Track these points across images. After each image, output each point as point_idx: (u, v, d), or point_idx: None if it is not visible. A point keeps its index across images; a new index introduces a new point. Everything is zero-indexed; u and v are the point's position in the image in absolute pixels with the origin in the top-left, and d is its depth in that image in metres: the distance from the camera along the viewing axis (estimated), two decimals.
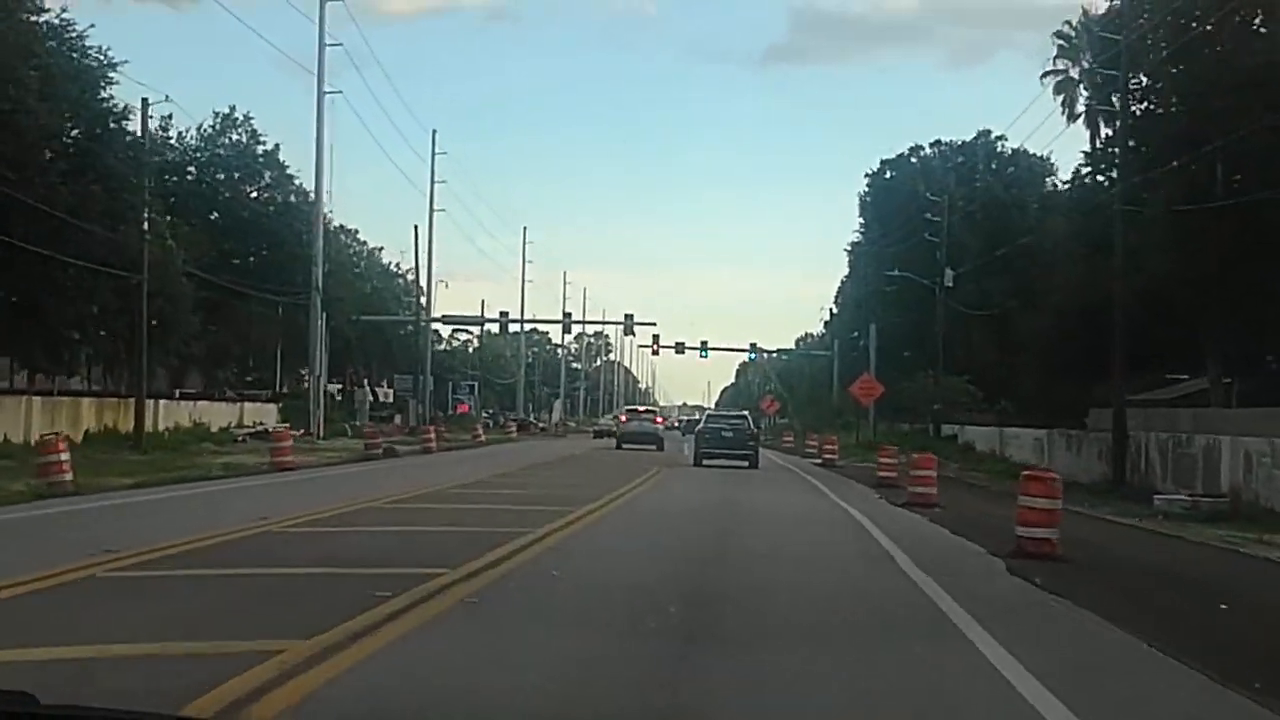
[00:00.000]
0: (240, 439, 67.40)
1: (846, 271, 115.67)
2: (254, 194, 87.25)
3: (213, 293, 79.75)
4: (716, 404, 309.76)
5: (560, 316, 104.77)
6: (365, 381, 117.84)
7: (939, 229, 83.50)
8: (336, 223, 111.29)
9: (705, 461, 55.20)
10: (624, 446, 76.13)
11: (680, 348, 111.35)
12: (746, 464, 54.47)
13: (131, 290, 54.13)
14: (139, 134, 55.89)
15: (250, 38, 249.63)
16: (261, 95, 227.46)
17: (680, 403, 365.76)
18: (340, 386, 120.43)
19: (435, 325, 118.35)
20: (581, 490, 33.30)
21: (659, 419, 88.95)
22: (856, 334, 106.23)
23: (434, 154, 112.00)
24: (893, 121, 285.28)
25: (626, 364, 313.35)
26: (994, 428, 67.46)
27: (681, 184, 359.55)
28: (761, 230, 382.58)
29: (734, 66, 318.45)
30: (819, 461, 61.54)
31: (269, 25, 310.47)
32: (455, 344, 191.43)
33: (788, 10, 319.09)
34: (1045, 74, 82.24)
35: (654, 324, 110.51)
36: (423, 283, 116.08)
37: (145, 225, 54.51)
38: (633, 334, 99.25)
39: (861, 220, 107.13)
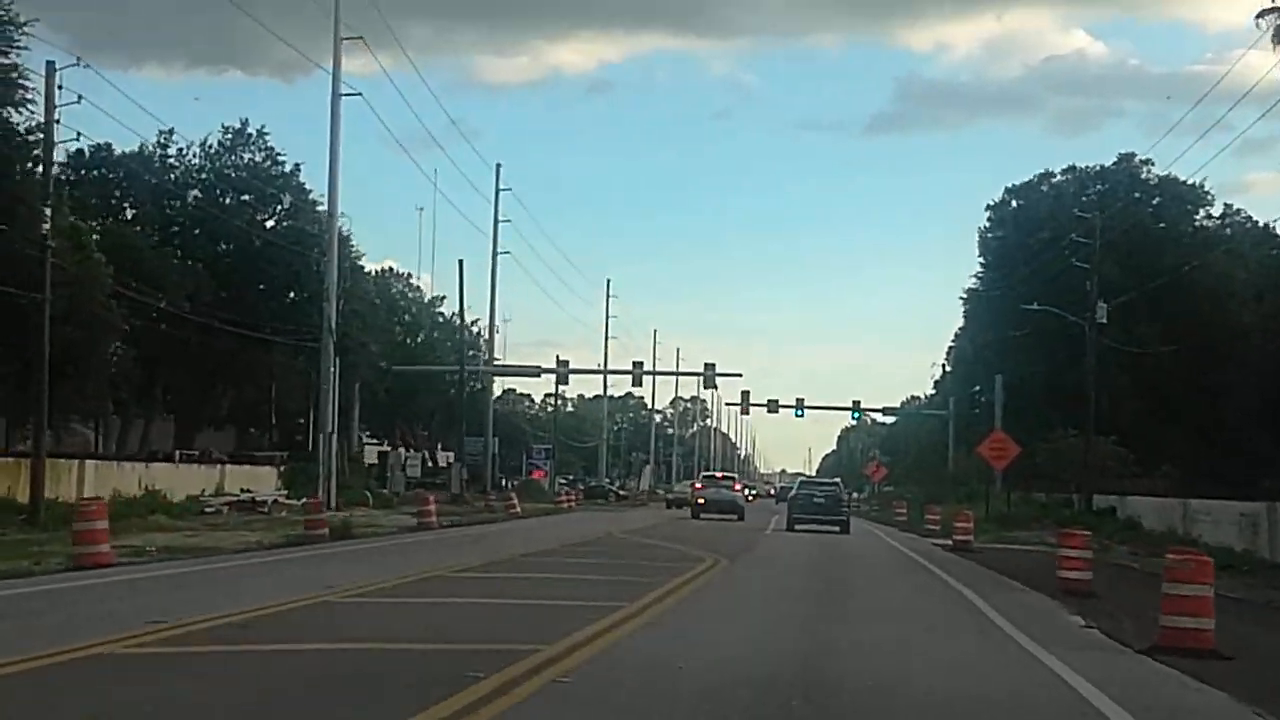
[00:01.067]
0: (213, 510, 52.80)
1: (960, 324, 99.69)
2: (269, 222, 73.13)
3: (213, 337, 65.82)
4: (817, 471, 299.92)
5: (641, 374, 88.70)
6: (404, 441, 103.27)
7: (1080, 257, 67.59)
8: (377, 264, 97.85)
9: (797, 527, 55.52)
10: (701, 517, 66.42)
11: (773, 406, 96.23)
12: (838, 529, 55.22)
13: (28, 313, 39.77)
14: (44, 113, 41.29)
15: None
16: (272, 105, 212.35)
17: (779, 469, 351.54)
18: (388, 448, 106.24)
19: (505, 384, 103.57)
20: (532, 623, 17.91)
21: (738, 485, 74.48)
22: (978, 389, 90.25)
23: (498, 190, 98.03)
24: (1000, 183, 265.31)
25: (725, 429, 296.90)
26: (1172, 499, 51.30)
27: (779, 254, 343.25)
28: (865, 300, 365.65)
29: (836, 136, 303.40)
30: (947, 544, 45.57)
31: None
32: (536, 408, 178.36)
33: (892, 80, 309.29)
34: (1262, 13, 63.41)
35: (739, 374, 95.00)
36: (482, 327, 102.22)
37: (47, 227, 40.01)
38: (714, 386, 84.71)
39: (981, 260, 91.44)
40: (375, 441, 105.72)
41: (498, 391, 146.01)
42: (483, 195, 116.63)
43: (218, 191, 71.20)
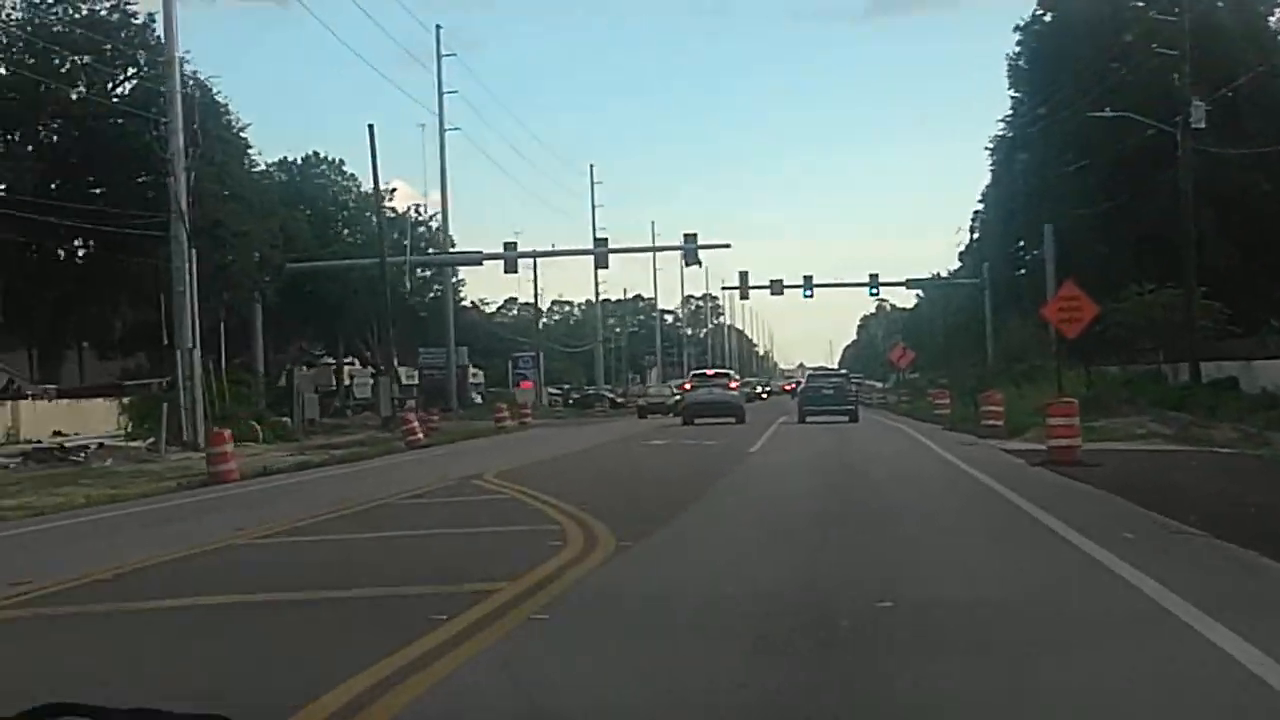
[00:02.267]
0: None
1: (987, 182, 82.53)
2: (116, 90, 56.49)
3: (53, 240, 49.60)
4: (839, 363, 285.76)
5: (607, 253, 71.78)
6: (361, 358, 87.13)
7: (1147, 51, 50.52)
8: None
9: (809, 419, 55.19)
10: (696, 422, 54.27)
11: (777, 287, 79.71)
12: (847, 419, 55.16)
13: None
14: None
15: None
16: None
17: (798, 364, 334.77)
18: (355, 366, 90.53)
19: (487, 288, 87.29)
20: None
21: (734, 383, 61.21)
22: (1020, 245, 73.40)
23: (440, 55, 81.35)
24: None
25: (740, 326, 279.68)
26: None
27: (782, 145, 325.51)
28: (878, 181, 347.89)
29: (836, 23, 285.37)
30: (1026, 453, 28.96)
31: None
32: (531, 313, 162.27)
33: None
34: None
35: (727, 245, 77.58)
36: (424, 208, 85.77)
37: None
38: (698, 262, 67.83)
39: (1013, 94, 74.12)
40: (328, 361, 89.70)
41: (476, 296, 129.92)
42: (468, 103, 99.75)
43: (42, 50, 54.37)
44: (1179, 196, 46.16)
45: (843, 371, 75.81)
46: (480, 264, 71.05)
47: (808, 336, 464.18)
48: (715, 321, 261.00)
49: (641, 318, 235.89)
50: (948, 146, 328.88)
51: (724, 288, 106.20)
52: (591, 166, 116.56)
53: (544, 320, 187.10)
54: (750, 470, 26.61)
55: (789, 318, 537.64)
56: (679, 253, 68.22)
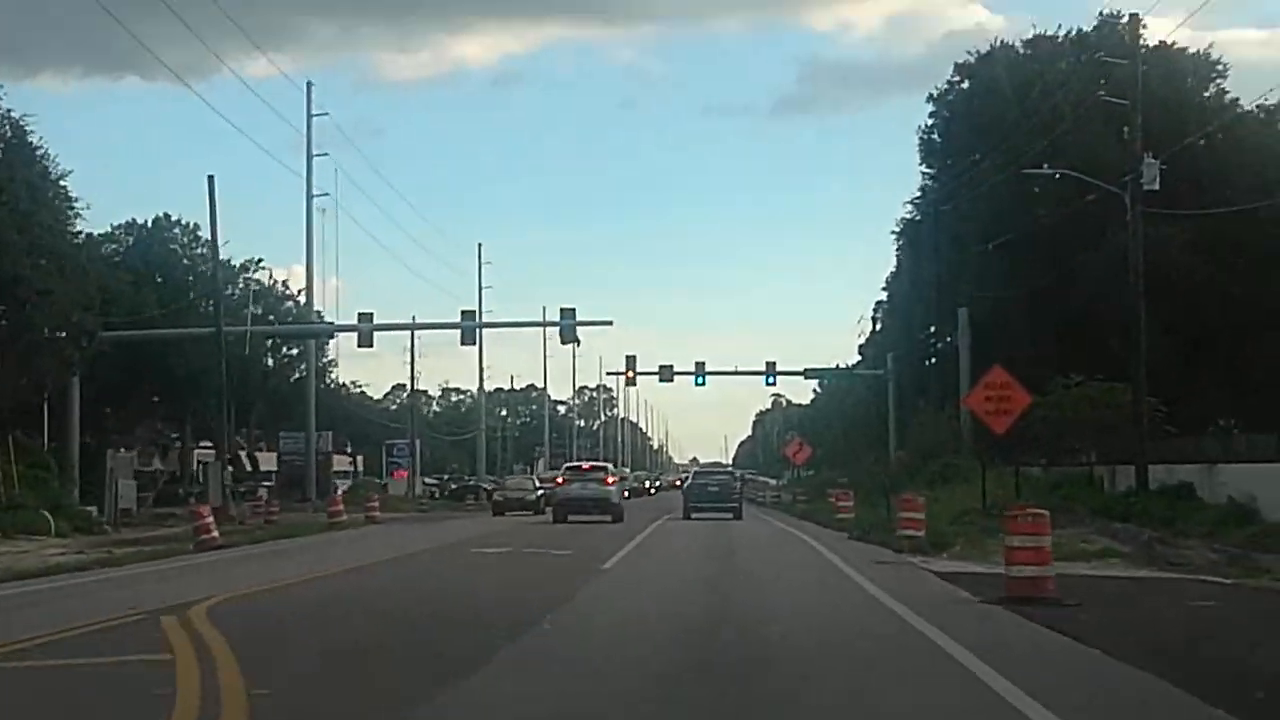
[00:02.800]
0: None
1: (892, 268, 76.39)
2: None
3: None
4: (734, 459, 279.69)
5: (479, 327, 64.31)
6: (160, 439, 79.02)
7: (1080, 118, 44.25)
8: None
9: (694, 515, 54.98)
10: (569, 520, 48.61)
11: (667, 373, 72.89)
12: (731, 515, 54.98)
13: None
14: None
15: None
16: None
17: (691, 458, 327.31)
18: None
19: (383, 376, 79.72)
20: None
21: (611, 479, 52.99)
22: (931, 333, 66.91)
23: (310, 114, 73.67)
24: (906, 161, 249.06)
25: (635, 419, 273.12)
26: None
27: (689, 237, 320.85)
28: (778, 278, 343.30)
29: (745, 120, 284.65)
30: (964, 574, 22.02)
31: None
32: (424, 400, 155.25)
33: (796, 62, 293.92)
34: None
35: (608, 322, 71.04)
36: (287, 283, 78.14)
37: None
38: (576, 341, 60.60)
39: (925, 169, 68.03)
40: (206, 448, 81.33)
41: (362, 380, 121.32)
42: (386, 196, 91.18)
43: None
44: (1123, 272, 39.53)
45: (729, 468, 76.16)
46: (333, 336, 63.73)
47: (702, 432, 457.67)
48: (609, 413, 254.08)
49: (534, 407, 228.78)
50: (848, 242, 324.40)
51: (609, 373, 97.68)
52: (480, 245, 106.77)
53: (432, 408, 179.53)
54: (592, 601, 19.20)
55: (684, 412, 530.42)
56: (569, 340, 60.72)
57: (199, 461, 76.47)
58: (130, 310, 60.74)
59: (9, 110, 48.56)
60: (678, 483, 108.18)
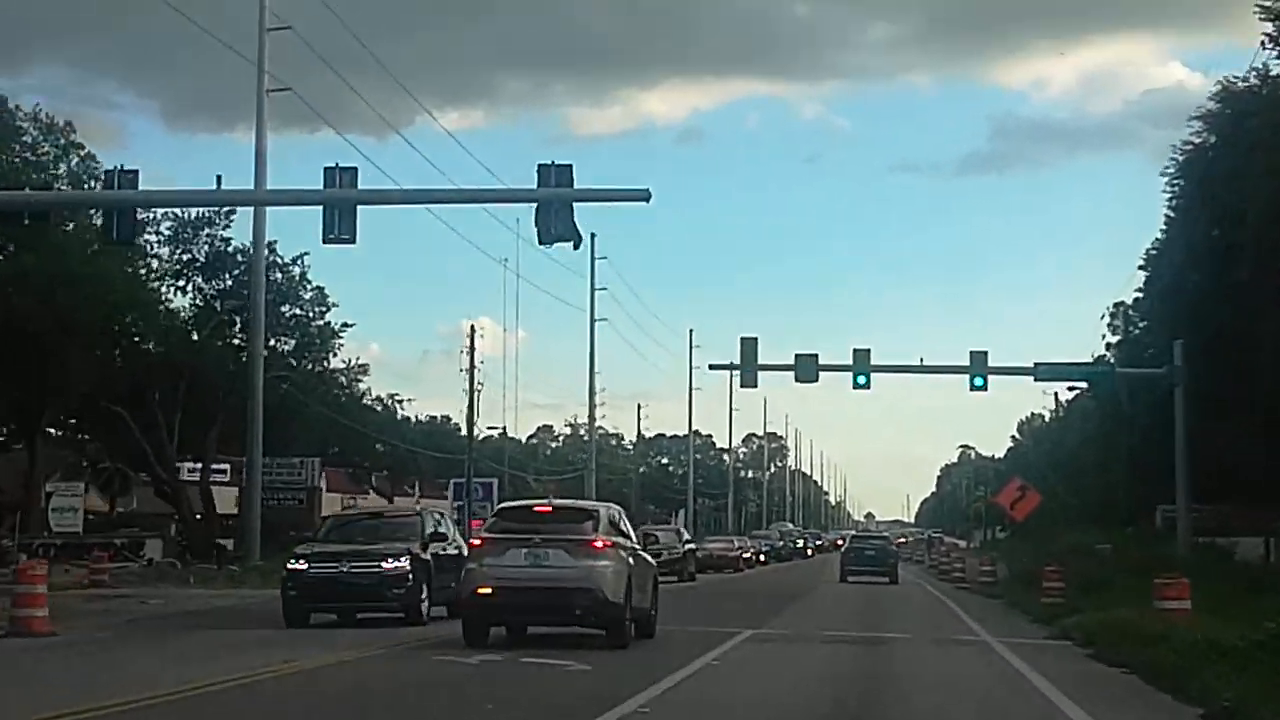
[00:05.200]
0: None
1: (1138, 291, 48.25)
2: None
3: None
4: (916, 518, 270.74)
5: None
6: None
7: None
8: None
9: (850, 579, 55.26)
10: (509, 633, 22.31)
11: (809, 369, 43.37)
12: (887, 579, 55.21)
13: None
14: None
15: None
16: None
17: (867, 513, 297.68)
18: None
19: None
20: None
21: (600, 540, 20.93)
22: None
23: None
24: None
25: (808, 470, 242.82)
26: None
27: (873, 300, 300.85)
28: (964, 345, 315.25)
29: (930, 177, 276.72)
30: None
31: None
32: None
33: (986, 119, 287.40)
34: None
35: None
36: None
37: None
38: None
39: (1175, 186, 39.40)
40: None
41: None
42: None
43: None
44: None
45: (885, 534, 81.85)
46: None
47: (882, 489, 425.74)
48: (778, 464, 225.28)
49: (698, 456, 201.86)
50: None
51: (711, 367, 67.85)
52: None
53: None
54: None
55: (864, 468, 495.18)
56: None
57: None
58: None
59: None
60: (840, 543, 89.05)
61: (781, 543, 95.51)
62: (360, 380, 66.00)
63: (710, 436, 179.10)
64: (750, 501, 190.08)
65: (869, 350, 41.91)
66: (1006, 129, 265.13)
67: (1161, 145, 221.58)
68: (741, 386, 44.92)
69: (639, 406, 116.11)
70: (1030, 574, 38.20)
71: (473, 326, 70.99)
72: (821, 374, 42.49)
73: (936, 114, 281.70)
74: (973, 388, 40.95)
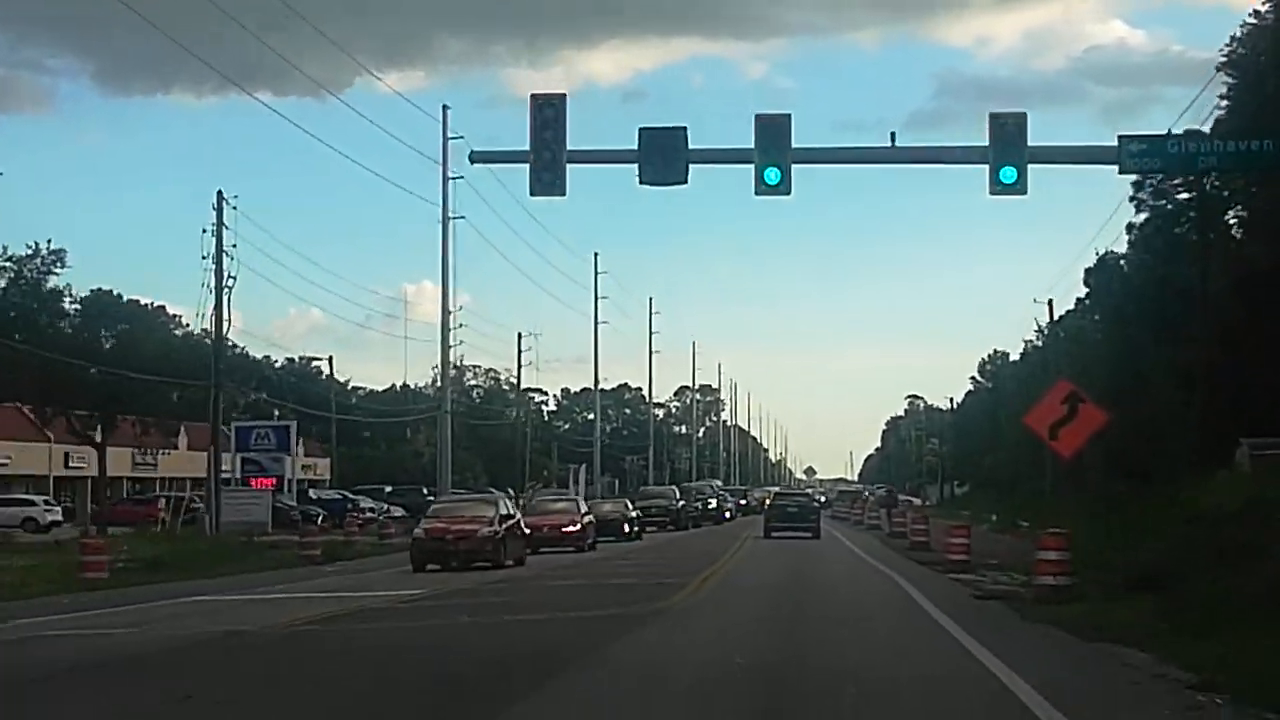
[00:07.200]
0: None
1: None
2: None
3: None
4: (860, 475, 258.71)
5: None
6: None
7: None
8: None
9: (774, 534, 55.89)
10: None
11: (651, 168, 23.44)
12: (809, 535, 55.71)
13: None
14: None
15: None
16: None
17: (807, 467, 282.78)
18: None
19: None
20: None
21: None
22: None
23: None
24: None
25: (746, 426, 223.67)
26: None
27: (820, 259, 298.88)
28: (917, 302, 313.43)
29: (873, 137, 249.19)
30: None
31: None
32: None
33: (930, 77, 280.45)
34: None
35: None
36: None
37: None
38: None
39: None
40: None
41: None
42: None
43: None
44: None
45: (808, 490, 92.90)
46: None
47: (823, 448, 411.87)
48: (713, 419, 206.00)
49: (627, 411, 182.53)
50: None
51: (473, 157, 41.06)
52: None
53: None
54: None
55: (808, 425, 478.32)
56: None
57: None
58: None
59: None
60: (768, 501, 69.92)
61: (681, 502, 72.95)
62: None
63: (640, 390, 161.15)
64: (682, 459, 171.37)
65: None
66: (951, 87, 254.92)
67: (1106, 102, 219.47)
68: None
69: (519, 336, 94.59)
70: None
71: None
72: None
73: (881, 73, 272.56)
74: (996, 189, 22.49)
